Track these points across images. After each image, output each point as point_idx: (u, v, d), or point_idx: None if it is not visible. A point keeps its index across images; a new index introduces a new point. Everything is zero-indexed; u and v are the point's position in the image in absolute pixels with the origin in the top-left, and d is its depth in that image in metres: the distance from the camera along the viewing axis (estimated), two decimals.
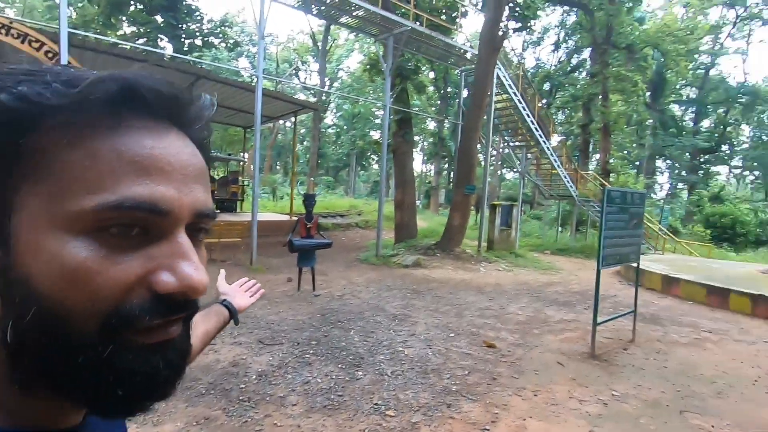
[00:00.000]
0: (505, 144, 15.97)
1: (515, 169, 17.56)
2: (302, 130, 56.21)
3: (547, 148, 14.07)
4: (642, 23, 23.53)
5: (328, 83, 43.58)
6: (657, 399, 3.98)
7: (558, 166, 14.54)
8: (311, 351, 4.46)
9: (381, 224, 10.73)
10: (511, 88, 12.62)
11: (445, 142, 39.51)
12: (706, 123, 38.70)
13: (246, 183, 16.49)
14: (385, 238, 14.69)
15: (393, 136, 12.81)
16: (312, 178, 7.77)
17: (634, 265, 6.06)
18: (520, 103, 12.92)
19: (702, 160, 36.99)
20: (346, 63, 46.22)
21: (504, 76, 12.42)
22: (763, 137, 37.47)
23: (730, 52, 37.26)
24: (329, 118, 54.93)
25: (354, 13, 10.20)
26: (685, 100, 38.52)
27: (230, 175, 14.97)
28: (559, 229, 21.79)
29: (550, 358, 4.82)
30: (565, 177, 15.01)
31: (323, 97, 40.20)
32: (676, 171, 40.47)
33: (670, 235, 15.79)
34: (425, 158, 54.84)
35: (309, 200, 6.57)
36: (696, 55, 32.67)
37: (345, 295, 7.01)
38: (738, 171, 43.62)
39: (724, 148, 38.30)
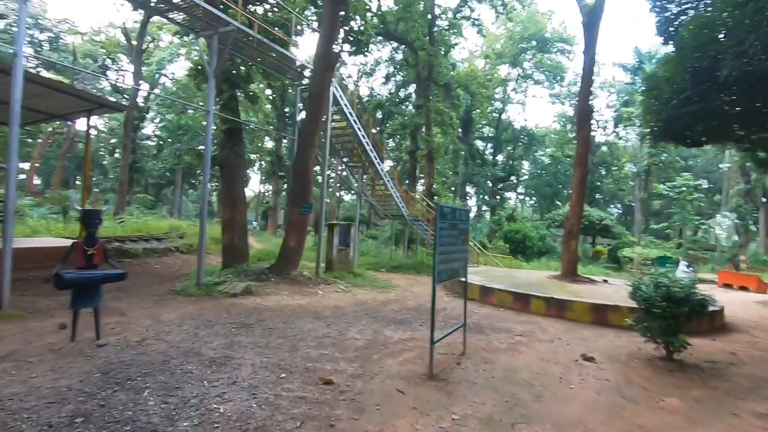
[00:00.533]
0: (343, 166, 16.07)
1: (352, 191, 17.88)
2: (113, 140, 47.50)
3: (381, 170, 14.62)
4: (454, 68, 27.48)
5: (146, 88, 37.87)
6: (491, 414, 3.95)
7: (391, 187, 15.25)
8: None
9: (203, 246, 9.19)
10: (347, 107, 12.69)
11: (283, 161, 38.42)
12: (500, 157, 47.35)
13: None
14: (213, 263, 12.89)
15: (220, 148, 11.39)
16: (96, 189, 5.98)
17: (462, 279, 6.37)
18: (356, 123, 13.11)
19: (499, 187, 45.12)
20: (170, 69, 41.12)
21: (340, 96, 12.42)
22: (537, 171, 47.93)
23: (514, 102, 46.80)
24: (149, 128, 47.94)
25: (174, 1, 8.70)
26: (486, 137, 46.54)
27: None
28: (393, 247, 23.07)
29: (390, 387, 4.46)
30: (397, 198, 15.84)
31: (141, 103, 34.65)
32: (481, 195, 48.22)
33: (481, 249, 18.20)
34: (263, 178, 52.51)
35: (91, 218, 4.92)
36: (492, 101, 40.08)
37: (146, 340, 5.47)
38: (522, 197, 54.65)
39: (513, 178, 47.56)
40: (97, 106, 10.15)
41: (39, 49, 33.81)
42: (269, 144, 44.72)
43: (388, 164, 21.87)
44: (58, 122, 30.28)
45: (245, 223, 11.49)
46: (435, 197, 20.97)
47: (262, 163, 48.48)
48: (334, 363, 5.09)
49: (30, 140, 31.14)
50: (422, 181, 25.33)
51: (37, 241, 11.63)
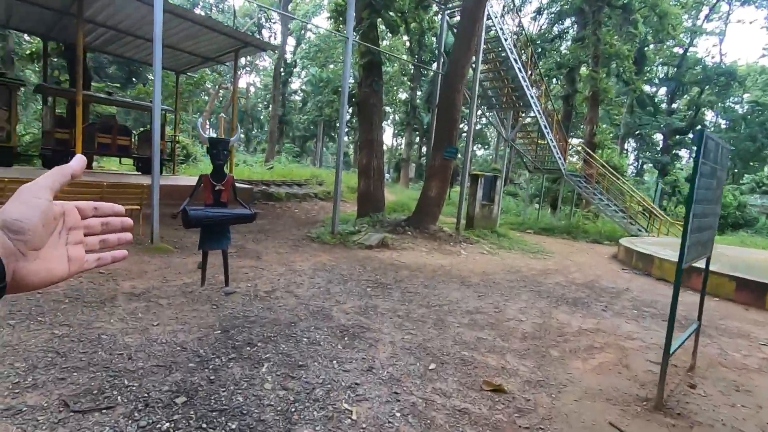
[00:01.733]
0: (484, 109, 13.88)
1: (486, 146, 15.62)
2: (268, 96, 52.18)
3: (540, 113, 12.12)
4: None
5: (293, 43, 39.86)
6: None
7: (548, 134, 12.67)
8: (165, 426, 2.27)
9: (339, 192, 8.49)
10: (502, 32, 10.43)
11: (417, 112, 37.16)
12: (677, 104, 38.15)
13: (180, 140, 13.62)
14: (348, 211, 12.51)
15: (358, 87, 10.42)
16: (223, 114, 5.55)
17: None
18: (512, 53, 10.78)
19: (674, 141, 36.60)
20: (314, 21, 42.33)
21: (494, 17, 10.18)
22: (733, 120, 37.37)
23: (706, 32, 36.48)
24: (295, 84, 51.34)
25: None
26: (663, 78, 37.68)
27: None
28: (536, 206, 20.32)
29: (594, 414, 2.88)
30: (554, 148, 13.19)
31: (288, 58, 36.61)
32: (647, 152, 40.13)
33: (663, 215, 14.47)
34: (396, 131, 52.37)
35: (217, 147, 4.24)
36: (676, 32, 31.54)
37: (275, 292, 4.82)
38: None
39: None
40: (243, 45, 9.97)
41: (208, 12, 37.74)
42: (403, 95, 43.71)
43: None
44: (225, 79, 33.75)
45: (382, 169, 10.56)
46: (598, 150, 17.33)
47: (396, 115, 48.07)
48: (499, 356, 3.68)
49: (205, 96, 35.70)
50: (577, 131, 21.42)
51: (184, 179, 12.58)
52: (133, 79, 32.89)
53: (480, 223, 11.36)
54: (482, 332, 4.22)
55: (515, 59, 10.85)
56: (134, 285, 4.52)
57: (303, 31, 41.98)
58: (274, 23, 40.84)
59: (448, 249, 8.53)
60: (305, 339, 3.56)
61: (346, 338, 3.69)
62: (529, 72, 11.94)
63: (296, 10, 39.11)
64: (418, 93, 37.43)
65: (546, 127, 12.59)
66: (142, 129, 14.61)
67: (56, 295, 3.96)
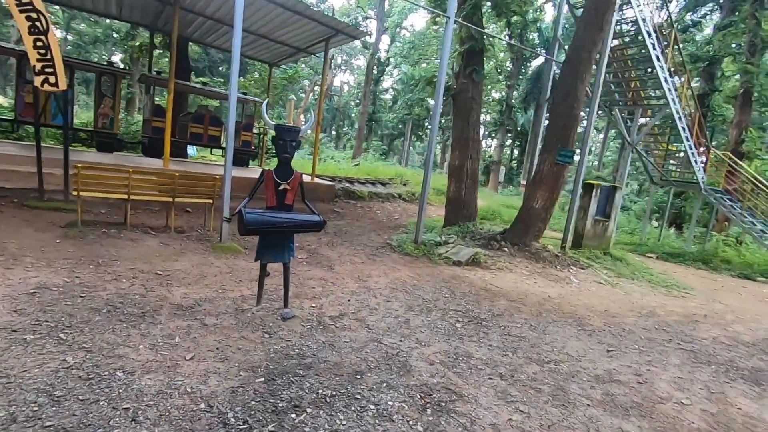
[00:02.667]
0: (605, 106, 11.73)
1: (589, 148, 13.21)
2: (360, 93, 52.97)
3: (678, 114, 9.82)
4: None
5: (387, 41, 39.69)
6: None
7: (688, 139, 10.26)
8: None
9: (425, 196, 7.40)
10: (640, 10, 8.47)
11: (512, 112, 34.69)
12: None
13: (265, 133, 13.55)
14: (434, 216, 11.39)
15: (456, 77, 9.23)
16: (293, 97, 4.95)
17: None
18: (650, 36, 8.73)
19: None
20: (410, 19, 41.77)
21: None
22: None
23: None
24: (387, 82, 51.53)
25: None
26: None
27: (245, 120, 12.09)
28: (654, 223, 17.25)
29: None
30: (693, 155, 10.70)
31: (380, 57, 36.45)
32: None
33: None
34: (487, 131, 49.85)
35: (284, 137, 3.42)
36: None
37: (343, 318, 3.90)
38: None
39: None
40: (334, 33, 9.37)
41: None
42: (495, 95, 41.22)
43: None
44: (316, 77, 34.58)
45: (477, 172, 9.25)
46: (745, 160, 14.00)
47: (489, 115, 45.66)
48: None
49: (302, 94, 37.05)
50: (711, 136, 17.77)
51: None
52: (241, 78, 35.28)
53: (590, 242, 9.49)
54: (627, 422, 2.85)
55: (653, 44, 8.78)
56: (186, 294, 3.91)
57: (398, 29, 41.65)
58: (369, 21, 41.06)
59: (554, 274, 6.99)
60: (372, 407, 2.55)
61: (428, 410, 2.61)
62: (673, 58, 9.70)
63: (393, 8, 38.90)
64: (514, 93, 34.90)
65: (685, 130, 10.19)
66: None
67: (98, 301, 3.45)
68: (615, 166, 29.06)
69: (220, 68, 32.60)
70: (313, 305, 4.12)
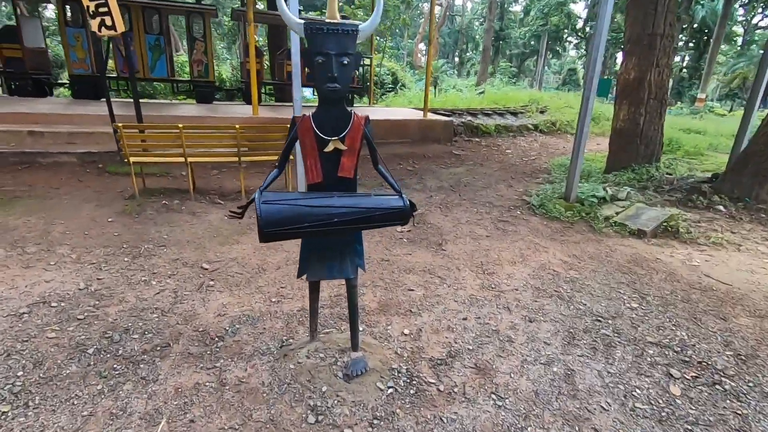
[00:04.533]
0: None
1: None
2: (485, 11, 46.63)
3: None
4: None
5: None
6: None
7: None
8: None
9: (584, 130, 4.97)
10: None
11: (692, 3, 26.22)
12: None
13: (379, 66, 11.79)
14: (588, 153, 8.56)
15: None
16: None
17: None
18: None
19: None
20: None
21: None
22: None
23: None
24: None
25: None
26: None
27: None
28: None
29: None
30: None
31: None
32: None
33: None
34: None
35: (326, 46, 1.72)
36: None
37: (452, 366, 2.26)
38: None
39: None
40: None
41: None
42: None
43: None
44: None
45: (666, 89, 6.16)
46: None
47: None
48: None
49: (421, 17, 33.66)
50: None
51: (382, 111, 10.75)
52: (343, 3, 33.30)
53: None
54: None
55: None
56: (224, 307, 2.71)
57: None
58: None
59: None
60: None
61: None
62: None
63: None
64: None
65: None
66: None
67: (95, 328, 2.43)
68: None
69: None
70: (407, 332, 2.56)
